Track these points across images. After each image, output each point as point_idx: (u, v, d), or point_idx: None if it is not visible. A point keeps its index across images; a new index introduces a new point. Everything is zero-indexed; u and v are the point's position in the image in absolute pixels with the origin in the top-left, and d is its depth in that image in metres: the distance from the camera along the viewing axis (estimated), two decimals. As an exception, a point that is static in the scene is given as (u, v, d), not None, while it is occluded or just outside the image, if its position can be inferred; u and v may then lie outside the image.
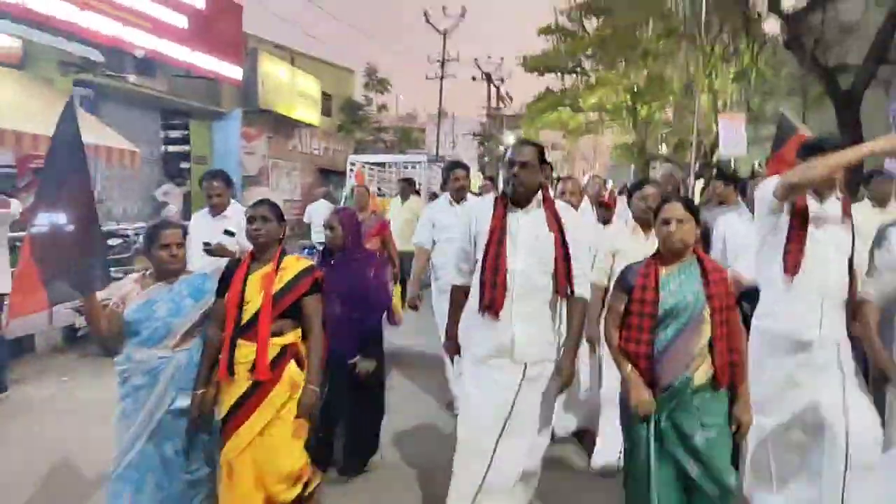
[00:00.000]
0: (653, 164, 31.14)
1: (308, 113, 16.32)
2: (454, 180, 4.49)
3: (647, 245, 3.18)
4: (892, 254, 2.54)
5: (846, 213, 2.68)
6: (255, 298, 2.54)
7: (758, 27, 15.54)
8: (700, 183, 20.99)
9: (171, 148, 12.41)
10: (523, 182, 2.50)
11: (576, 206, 3.96)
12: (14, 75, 7.96)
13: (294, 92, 15.46)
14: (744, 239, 3.42)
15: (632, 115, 23.97)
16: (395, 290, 5.24)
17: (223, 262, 3.82)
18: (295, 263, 2.68)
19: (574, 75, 25.74)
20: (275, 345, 2.54)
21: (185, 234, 2.74)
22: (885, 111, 10.78)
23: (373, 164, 14.27)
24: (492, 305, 2.46)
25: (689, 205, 2.37)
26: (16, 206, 5.19)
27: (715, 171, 7.71)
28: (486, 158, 30.97)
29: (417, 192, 10.09)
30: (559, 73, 25.64)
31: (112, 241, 7.41)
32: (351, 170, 12.35)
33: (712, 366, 2.26)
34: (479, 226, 2.60)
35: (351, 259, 3.36)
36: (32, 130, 6.71)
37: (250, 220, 2.65)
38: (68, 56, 8.57)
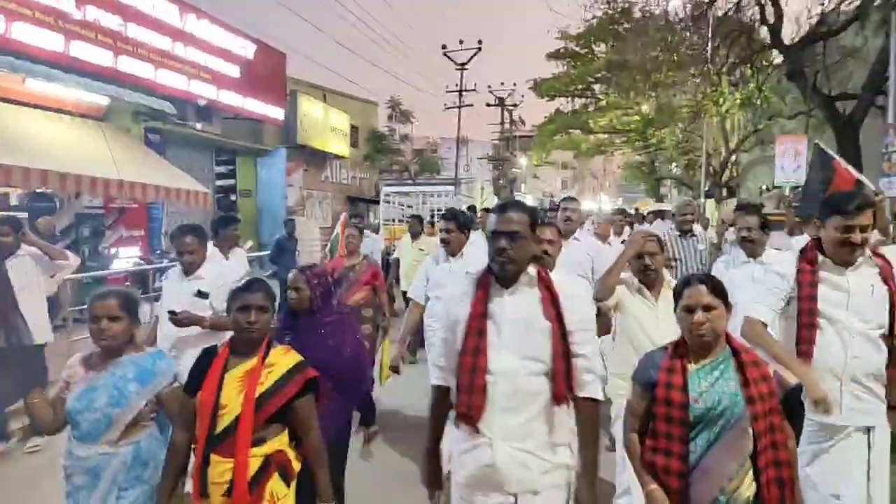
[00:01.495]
0: (663, 182, 31.98)
1: (339, 145, 17.39)
2: (443, 231, 3.78)
3: (657, 311, 2.84)
4: None
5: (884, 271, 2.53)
6: (233, 402, 2.08)
7: (763, 56, 16.47)
8: (711, 202, 21.93)
9: (220, 183, 13.50)
10: (513, 258, 1.93)
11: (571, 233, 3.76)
12: (98, 127, 9.01)
13: (327, 127, 16.55)
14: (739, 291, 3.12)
15: (642, 138, 24.92)
16: (385, 346, 4.54)
17: (194, 332, 3.27)
18: (283, 358, 2.21)
19: (584, 98, 26.80)
20: (256, 456, 2.08)
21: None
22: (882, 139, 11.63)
23: (401, 193, 15.27)
24: (468, 415, 1.92)
25: (716, 287, 2.00)
26: (73, 259, 4.64)
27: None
28: (501, 181, 31.97)
29: (432, 223, 10.80)
30: (569, 97, 26.71)
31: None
32: (387, 201, 13.30)
33: (755, 484, 1.90)
34: (457, 309, 2.02)
35: (320, 324, 2.81)
36: (116, 176, 7.69)
37: (243, 308, 2.17)
38: (142, 108, 9.64)
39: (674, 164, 27.71)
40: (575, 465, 1.97)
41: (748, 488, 1.89)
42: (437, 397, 2.13)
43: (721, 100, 18.46)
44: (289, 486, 2.15)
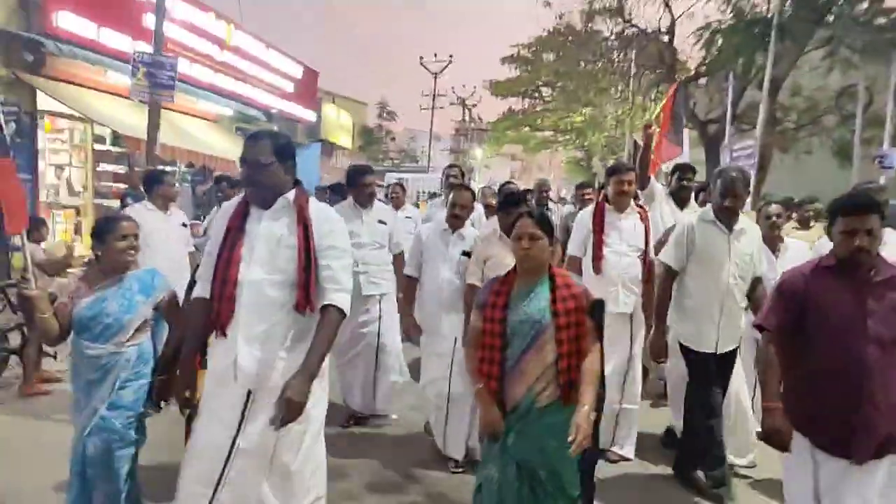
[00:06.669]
0: (597, 178, 37.59)
1: (345, 139, 22.05)
2: (362, 185, 4.13)
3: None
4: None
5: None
6: None
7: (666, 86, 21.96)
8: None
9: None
10: (256, 183, 2.22)
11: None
12: (216, 126, 13.50)
13: (337, 125, 21.16)
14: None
15: (581, 138, 30.25)
16: None
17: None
18: None
19: (532, 99, 31.66)
20: None
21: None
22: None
23: (399, 177, 20.14)
24: (217, 322, 2.20)
25: (541, 221, 2.35)
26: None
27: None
28: (461, 169, 36.83)
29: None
30: (520, 97, 31.50)
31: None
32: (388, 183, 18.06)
33: (559, 385, 2.24)
34: (219, 227, 2.32)
35: None
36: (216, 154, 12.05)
37: None
38: (238, 115, 14.18)
39: (603, 163, 33.18)
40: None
41: (554, 389, 2.25)
42: (195, 307, 2.33)
43: (641, 114, 23.88)
44: None
